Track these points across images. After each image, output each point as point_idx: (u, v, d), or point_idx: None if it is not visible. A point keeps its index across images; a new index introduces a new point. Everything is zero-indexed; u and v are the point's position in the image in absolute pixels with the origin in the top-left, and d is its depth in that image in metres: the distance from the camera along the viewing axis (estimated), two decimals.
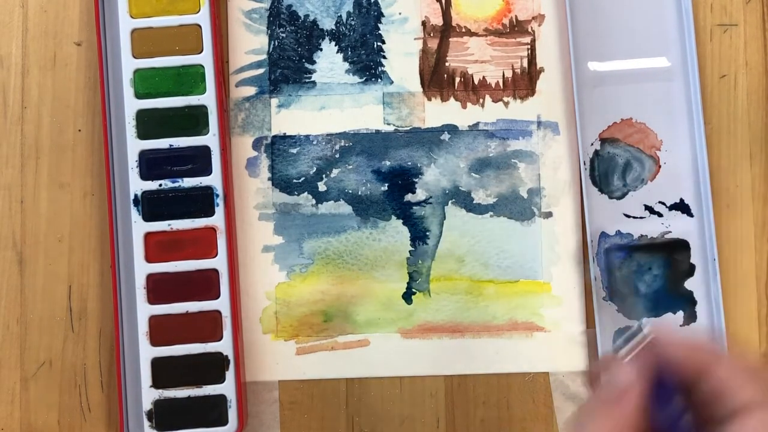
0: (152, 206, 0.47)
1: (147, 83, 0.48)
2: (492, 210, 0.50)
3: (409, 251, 0.50)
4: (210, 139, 0.48)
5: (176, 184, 0.47)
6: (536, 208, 0.50)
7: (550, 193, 0.50)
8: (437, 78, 0.51)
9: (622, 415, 0.30)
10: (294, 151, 0.50)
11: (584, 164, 0.50)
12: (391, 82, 0.51)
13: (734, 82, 0.51)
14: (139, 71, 0.48)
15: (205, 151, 0.48)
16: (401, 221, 0.50)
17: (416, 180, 0.50)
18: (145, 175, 0.47)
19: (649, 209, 0.50)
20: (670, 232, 0.50)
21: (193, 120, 0.48)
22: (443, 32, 0.51)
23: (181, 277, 0.47)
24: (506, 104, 0.51)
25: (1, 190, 0.50)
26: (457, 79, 0.51)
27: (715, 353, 0.31)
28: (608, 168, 0.50)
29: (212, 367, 0.47)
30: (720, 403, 0.30)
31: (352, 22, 0.51)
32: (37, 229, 0.49)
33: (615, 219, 0.50)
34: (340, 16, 0.51)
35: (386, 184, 0.50)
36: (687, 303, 0.50)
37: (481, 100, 0.51)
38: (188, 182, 0.47)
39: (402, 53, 0.51)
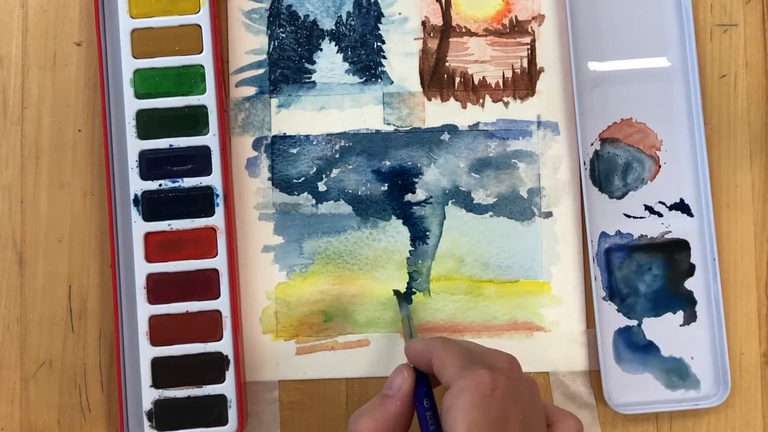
0: (152, 206, 0.47)
1: (147, 83, 0.48)
2: (492, 210, 0.50)
3: (409, 251, 0.50)
4: (210, 139, 0.48)
5: (176, 184, 0.47)
6: (536, 208, 0.50)
7: (550, 193, 0.50)
8: (437, 78, 0.51)
9: (391, 406, 0.39)
10: (294, 151, 0.50)
11: (584, 164, 0.50)
12: (391, 82, 0.51)
13: (734, 82, 0.51)
14: (139, 71, 0.48)
15: (205, 151, 0.48)
16: (401, 221, 0.50)
17: (416, 180, 0.50)
18: (145, 175, 0.47)
19: (649, 209, 0.50)
20: (670, 232, 0.50)
21: (193, 120, 0.48)
22: (443, 32, 0.51)
23: (181, 277, 0.47)
24: (506, 104, 0.51)
25: (1, 190, 0.50)
26: (457, 79, 0.51)
27: (430, 345, 0.39)
28: (608, 168, 0.50)
29: (212, 367, 0.47)
30: (442, 380, 0.38)
31: (352, 22, 0.51)
32: (37, 229, 0.49)
33: (615, 219, 0.50)
34: (340, 16, 0.51)
35: (386, 184, 0.50)
36: (687, 303, 0.50)
37: (481, 100, 0.51)
38: (188, 182, 0.47)
39: (402, 53, 0.51)
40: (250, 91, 0.50)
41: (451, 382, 0.37)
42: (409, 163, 0.50)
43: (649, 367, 0.49)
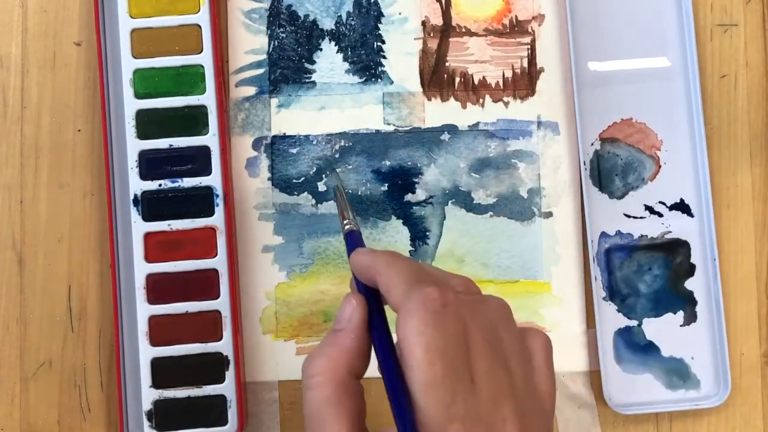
0: (152, 206, 0.47)
1: (147, 83, 0.48)
2: (492, 210, 0.50)
3: (409, 251, 0.50)
4: (210, 139, 0.48)
5: (176, 184, 0.47)
6: (536, 208, 0.50)
7: (550, 193, 0.50)
8: (437, 78, 0.51)
9: (344, 340, 0.34)
10: (294, 151, 0.50)
11: (584, 164, 0.50)
12: (391, 82, 0.51)
13: (734, 82, 0.51)
14: (138, 71, 0.48)
15: (205, 151, 0.48)
16: (401, 221, 0.50)
17: (416, 180, 0.50)
18: (144, 175, 0.47)
19: (650, 209, 0.50)
20: (671, 232, 0.50)
21: (192, 120, 0.48)
22: (443, 32, 0.51)
23: (181, 277, 0.47)
24: (506, 104, 0.51)
25: (1, 190, 0.50)
26: (457, 79, 0.51)
27: (374, 261, 0.34)
28: (608, 168, 0.50)
29: (212, 367, 0.47)
30: (389, 303, 0.33)
31: (352, 22, 0.51)
32: (36, 229, 0.49)
33: (615, 219, 0.50)
34: (340, 16, 0.51)
35: (386, 184, 0.50)
36: (687, 303, 0.50)
37: (481, 100, 0.51)
38: (188, 182, 0.47)
39: (402, 53, 0.51)
40: (250, 91, 0.50)
41: (399, 305, 0.32)
42: (409, 163, 0.50)
43: (649, 368, 0.49)
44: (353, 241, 0.38)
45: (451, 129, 0.51)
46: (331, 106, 0.50)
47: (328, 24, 0.51)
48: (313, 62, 0.51)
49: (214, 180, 0.47)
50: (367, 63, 0.51)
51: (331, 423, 0.32)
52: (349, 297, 0.35)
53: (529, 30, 0.51)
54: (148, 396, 0.47)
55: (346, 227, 0.38)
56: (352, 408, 0.33)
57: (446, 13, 0.51)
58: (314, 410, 0.32)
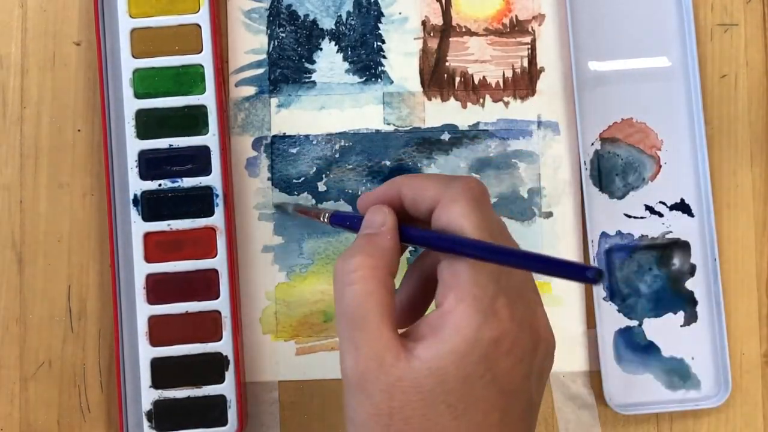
0: (152, 206, 0.47)
1: (146, 83, 0.48)
2: None
3: (410, 251, 0.50)
4: (210, 139, 0.48)
5: (176, 184, 0.47)
6: (536, 208, 0.50)
7: (550, 193, 0.50)
8: (437, 78, 0.51)
9: (382, 241, 0.34)
10: (294, 151, 0.50)
11: (584, 164, 0.50)
12: (391, 82, 0.51)
13: (735, 82, 0.51)
14: (138, 71, 0.48)
15: (205, 151, 0.48)
16: None
17: None
18: (144, 175, 0.47)
19: (650, 209, 0.50)
20: (671, 232, 0.50)
21: (192, 120, 0.48)
22: (443, 32, 0.51)
23: (181, 277, 0.47)
24: (506, 104, 0.51)
25: (1, 190, 0.49)
26: (457, 79, 0.51)
27: (394, 182, 0.36)
28: (609, 168, 0.50)
29: (212, 368, 0.47)
30: (422, 206, 0.35)
31: (352, 22, 0.51)
32: (36, 229, 0.49)
33: (615, 219, 0.50)
34: (340, 15, 0.51)
35: None
36: (688, 303, 0.50)
37: (481, 100, 0.51)
38: (188, 182, 0.47)
39: (402, 53, 0.51)
40: (250, 90, 0.50)
41: (439, 198, 0.33)
42: (409, 163, 0.50)
43: (649, 368, 0.49)
44: (343, 216, 0.39)
45: (451, 129, 0.50)
46: (331, 106, 0.50)
47: (328, 24, 0.51)
48: (313, 62, 0.51)
49: (214, 180, 0.47)
50: (367, 63, 0.51)
51: (374, 316, 0.32)
52: (377, 207, 0.36)
53: (529, 30, 0.51)
54: (148, 396, 0.47)
55: (325, 217, 0.40)
56: (391, 305, 0.33)
57: (446, 13, 0.51)
58: (356, 305, 0.32)
